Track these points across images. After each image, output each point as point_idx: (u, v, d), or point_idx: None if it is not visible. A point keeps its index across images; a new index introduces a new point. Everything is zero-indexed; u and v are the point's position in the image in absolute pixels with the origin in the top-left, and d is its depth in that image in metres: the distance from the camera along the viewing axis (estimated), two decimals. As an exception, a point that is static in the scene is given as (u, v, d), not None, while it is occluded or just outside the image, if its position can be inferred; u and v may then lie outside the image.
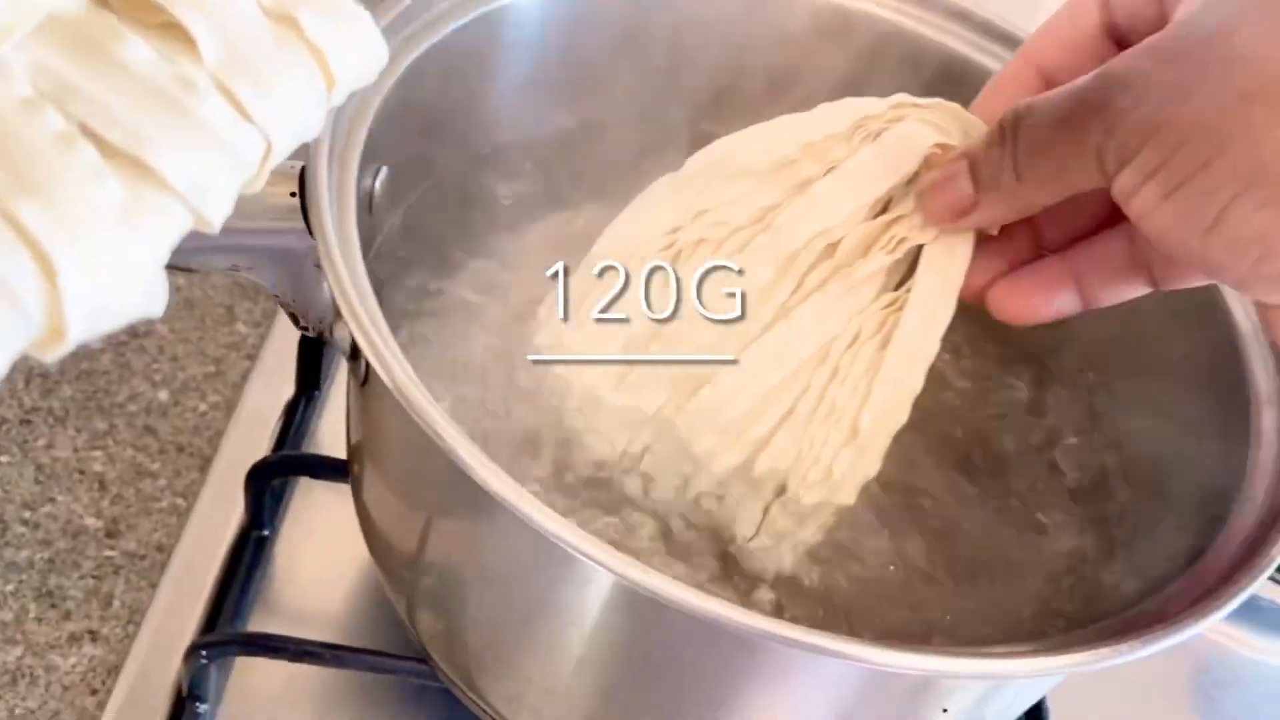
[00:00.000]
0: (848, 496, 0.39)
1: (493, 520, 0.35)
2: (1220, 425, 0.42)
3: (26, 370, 0.60)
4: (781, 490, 0.40)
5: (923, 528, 0.45)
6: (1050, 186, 0.34)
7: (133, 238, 0.26)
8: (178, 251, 0.38)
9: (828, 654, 0.30)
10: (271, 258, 0.38)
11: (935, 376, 0.40)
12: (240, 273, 0.39)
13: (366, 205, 0.43)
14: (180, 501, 0.57)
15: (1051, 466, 0.49)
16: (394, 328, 0.42)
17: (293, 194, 0.37)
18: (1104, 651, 0.34)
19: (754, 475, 0.40)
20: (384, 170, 0.43)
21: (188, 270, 0.39)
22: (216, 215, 0.27)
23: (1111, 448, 0.48)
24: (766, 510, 0.40)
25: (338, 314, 0.39)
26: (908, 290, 0.39)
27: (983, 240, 0.39)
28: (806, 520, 0.40)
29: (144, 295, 0.26)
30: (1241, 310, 0.44)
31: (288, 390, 0.60)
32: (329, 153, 0.37)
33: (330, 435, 0.59)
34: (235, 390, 0.61)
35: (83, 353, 0.61)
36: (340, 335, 0.39)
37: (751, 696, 0.36)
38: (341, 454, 0.50)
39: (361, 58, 0.29)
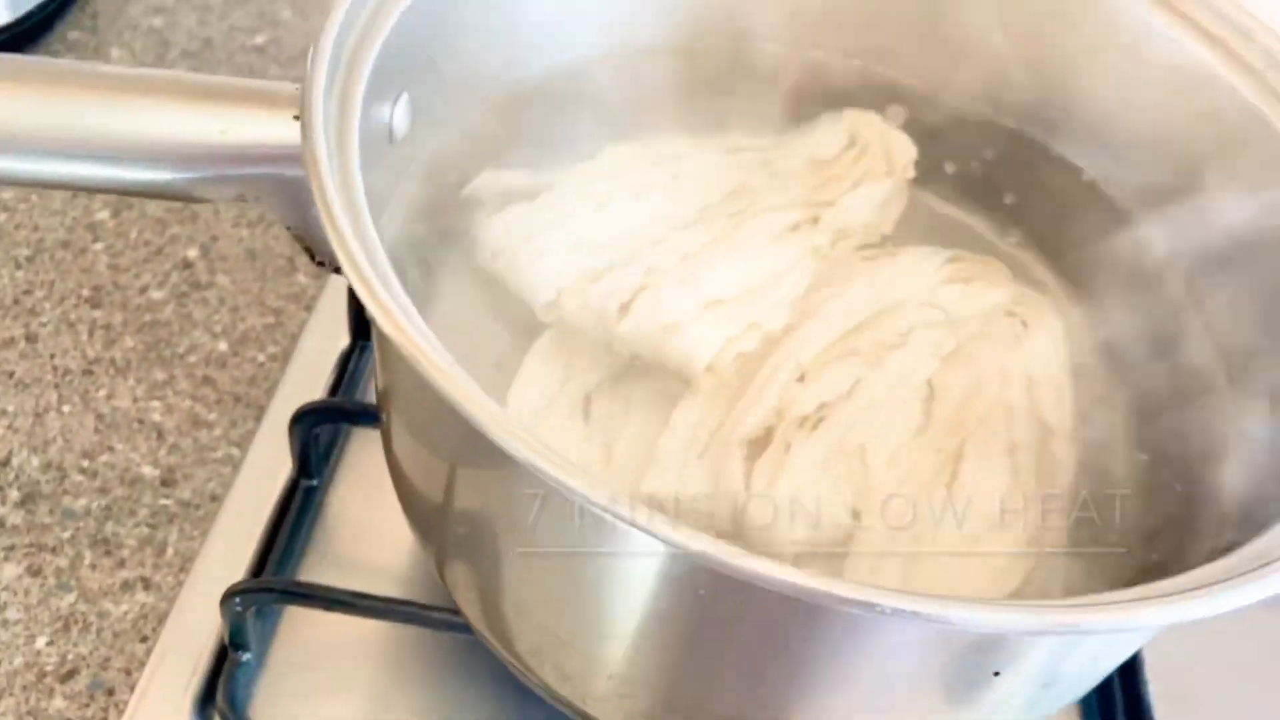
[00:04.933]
0: None
1: (510, 476, 0.33)
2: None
3: (90, 322, 0.60)
4: None
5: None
6: None
7: None
8: (182, 180, 0.37)
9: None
10: (277, 187, 0.37)
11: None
12: (248, 202, 0.37)
13: (386, 134, 0.41)
14: (235, 451, 0.56)
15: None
16: (410, 260, 0.40)
17: (295, 117, 0.36)
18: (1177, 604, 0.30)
19: None
20: (405, 96, 0.41)
21: (197, 200, 0.37)
22: None
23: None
24: None
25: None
26: None
27: None
28: None
29: None
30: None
31: (344, 341, 0.59)
32: (331, 75, 0.35)
33: (384, 385, 0.58)
34: (293, 341, 0.60)
35: (145, 304, 0.61)
36: (350, 268, 0.37)
37: (788, 655, 0.33)
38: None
39: None
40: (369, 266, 0.30)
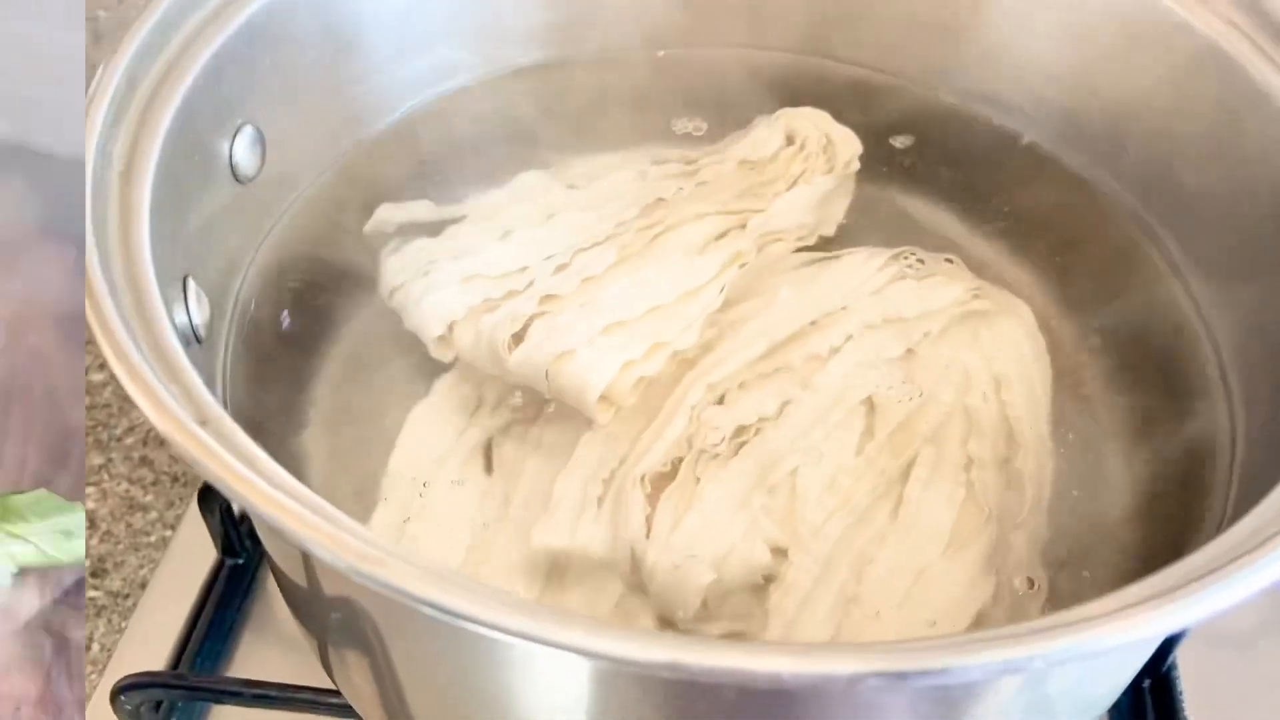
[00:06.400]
0: None
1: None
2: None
3: (29, 410, 0.58)
4: None
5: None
6: None
7: None
8: None
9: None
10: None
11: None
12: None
13: (228, 171, 0.38)
14: (169, 534, 0.53)
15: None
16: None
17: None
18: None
19: None
20: (247, 128, 0.38)
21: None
22: None
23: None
24: None
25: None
26: None
27: None
28: None
29: None
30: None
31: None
32: (121, 105, 0.32)
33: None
34: (238, 412, 0.57)
35: (85, 387, 0.59)
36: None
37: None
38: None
39: None
40: (124, 332, 0.26)
